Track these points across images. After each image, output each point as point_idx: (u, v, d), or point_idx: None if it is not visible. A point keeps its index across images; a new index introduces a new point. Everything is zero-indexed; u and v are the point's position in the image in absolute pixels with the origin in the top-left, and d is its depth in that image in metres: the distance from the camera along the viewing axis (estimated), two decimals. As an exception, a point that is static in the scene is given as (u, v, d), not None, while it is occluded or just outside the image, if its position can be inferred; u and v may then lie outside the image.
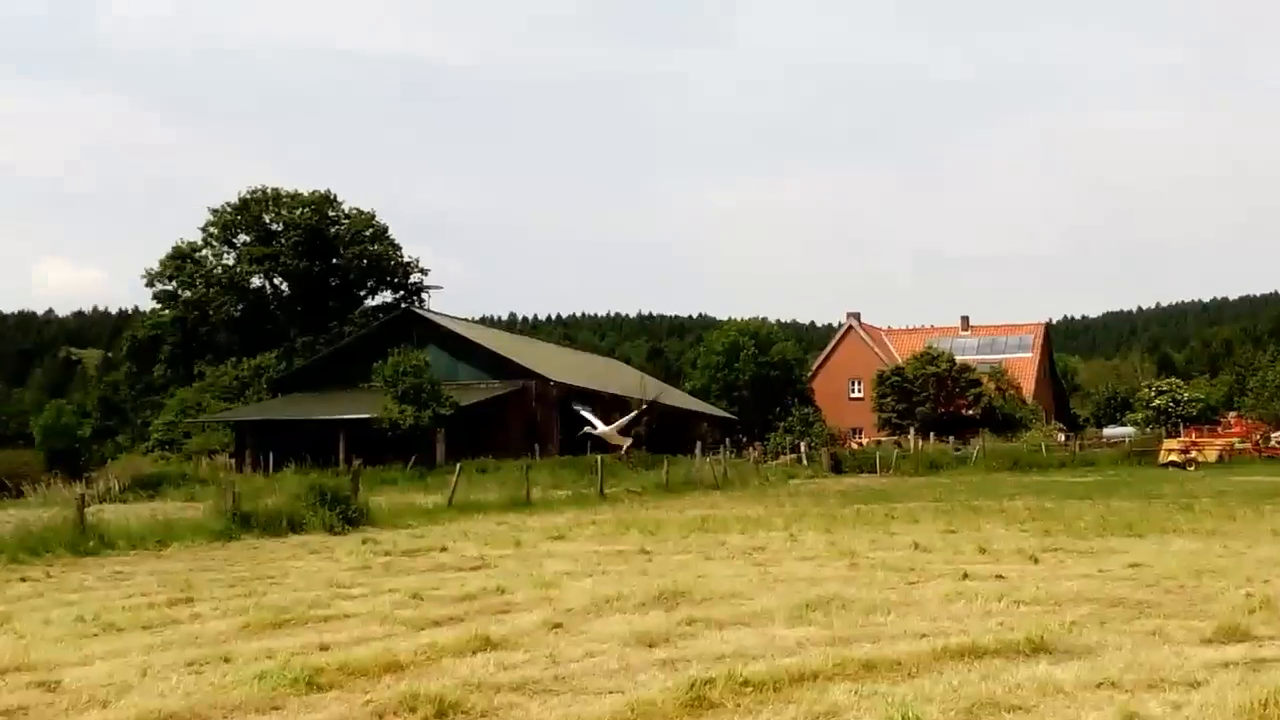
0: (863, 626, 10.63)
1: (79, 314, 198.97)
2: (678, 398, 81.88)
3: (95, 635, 11.36)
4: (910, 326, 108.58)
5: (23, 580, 16.76)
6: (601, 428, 19.79)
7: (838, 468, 62.67)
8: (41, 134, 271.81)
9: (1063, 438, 78.11)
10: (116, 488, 42.39)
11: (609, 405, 65.10)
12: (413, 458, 54.70)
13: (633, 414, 19.40)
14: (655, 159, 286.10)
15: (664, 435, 63.54)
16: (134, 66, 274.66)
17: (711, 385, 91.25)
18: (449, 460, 53.37)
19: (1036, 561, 16.01)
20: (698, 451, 51.44)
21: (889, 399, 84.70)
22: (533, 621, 11.21)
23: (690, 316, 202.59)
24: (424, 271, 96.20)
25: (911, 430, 76.95)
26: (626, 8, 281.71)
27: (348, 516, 25.54)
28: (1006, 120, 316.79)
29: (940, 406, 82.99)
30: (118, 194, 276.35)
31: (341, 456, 55.01)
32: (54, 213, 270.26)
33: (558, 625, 11.00)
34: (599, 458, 44.12)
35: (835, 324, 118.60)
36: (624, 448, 21.30)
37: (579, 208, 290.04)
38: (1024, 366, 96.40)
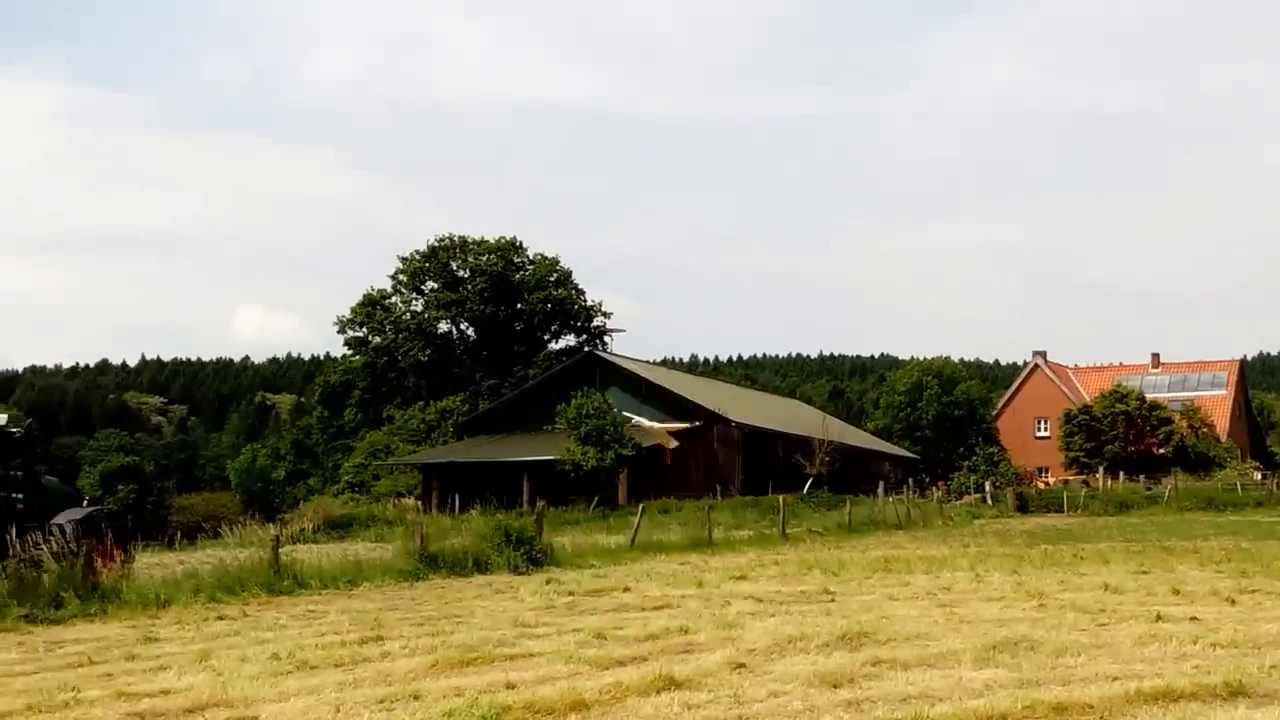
0: (1052, 669, 10.42)
1: (273, 360, 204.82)
2: (860, 437, 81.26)
3: (290, 672, 11.64)
4: (1098, 364, 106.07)
5: (220, 618, 17.25)
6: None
7: (1023, 507, 61.46)
8: (240, 187, 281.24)
9: (1259, 476, 75.61)
10: (309, 529, 43.42)
11: (791, 445, 64.89)
12: (595, 498, 55.16)
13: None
14: (838, 199, 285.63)
15: (846, 475, 63.07)
16: (327, 122, 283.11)
17: (894, 425, 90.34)
18: (631, 501, 53.68)
19: (1233, 603, 15.53)
20: (880, 491, 50.93)
21: (1076, 438, 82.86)
22: (716, 661, 11.21)
23: (872, 356, 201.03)
24: (606, 315, 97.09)
25: (1100, 469, 75.21)
26: (808, 51, 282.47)
27: (532, 556, 25.78)
28: (1195, 154, 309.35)
29: (1129, 445, 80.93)
30: (311, 244, 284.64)
31: (525, 497, 55.67)
32: (250, 263, 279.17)
33: (741, 665, 10.97)
34: (780, 498, 43.93)
35: (1020, 362, 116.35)
36: None
37: (760, 249, 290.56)
38: (1217, 404, 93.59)
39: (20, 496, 25.62)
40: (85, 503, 28.31)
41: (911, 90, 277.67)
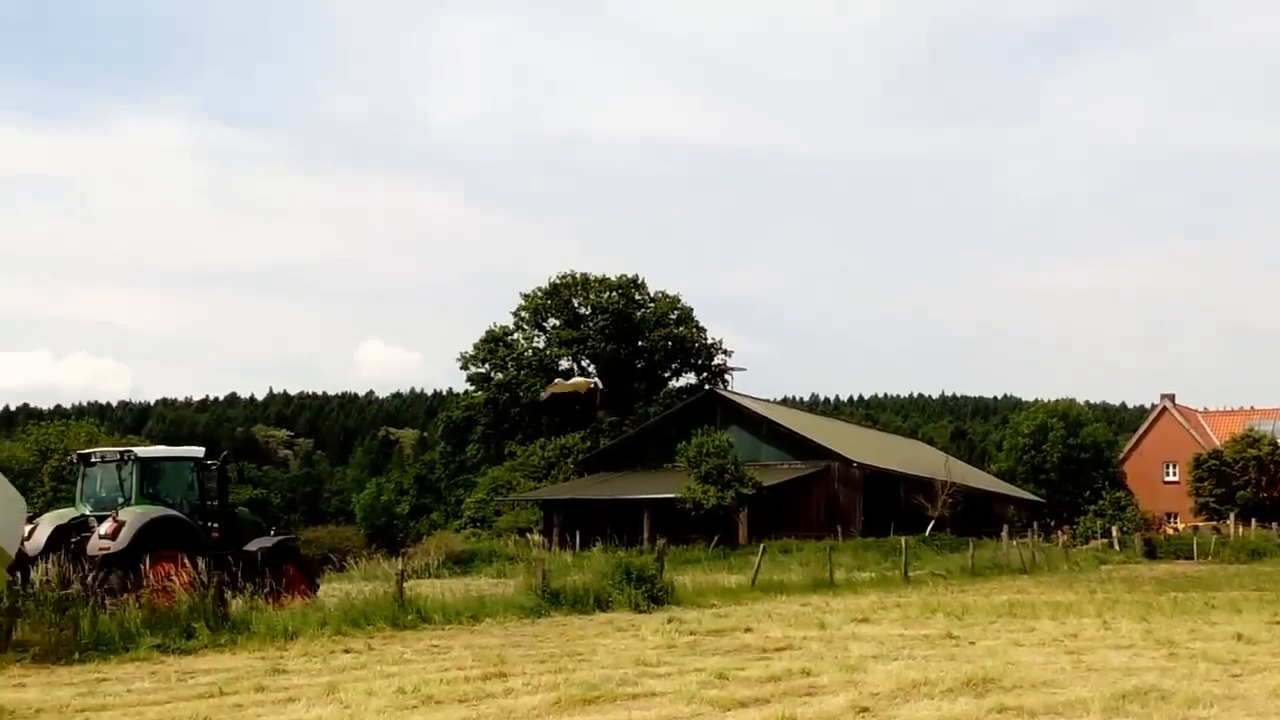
0: (1183, 720, 10.25)
1: (397, 395, 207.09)
2: (983, 480, 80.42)
3: (415, 707, 11.79)
4: (1228, 408, 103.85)
5: (346, 651, 17.50)
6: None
7: (1151, 553, 60.26)
8: (366, 223, 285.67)
9: (1400, 523, 73.45)
10: (433, 563, 43.86)
11: (912, 486, 64.35)
12: (715, 537, 55.09)
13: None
14: (961, 238, 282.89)
15: (969, 518, 62.39)
16: (452, 159, 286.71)
17: (1018, 467, 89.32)
18: (751, 540, 53.54)
19: (1372, 656, 15.14)
20: (1004, 535, 50.26)
21: (1206, 483, 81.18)
22: (839, 705, 11.17)
23: (995, 397, 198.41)
24: (727, 353, 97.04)
25: (1231, 516, 73.56)
26: (932, 88, 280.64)
27: (653, 595, 25.82)
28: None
29: (1262, 491, 79.12)
30: (435, 280, 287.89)
31: (645, 535, 55.73)
32: (375, 299, 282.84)
33: (864, 709, 10.93)
34: (903, 540, 43.57)
35: (1148, 405, 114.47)
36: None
37: (881, 287, 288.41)
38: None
39: (215, 526, 26.70)
40: (272, 532, 29.29)
41: (1038, 127, 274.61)
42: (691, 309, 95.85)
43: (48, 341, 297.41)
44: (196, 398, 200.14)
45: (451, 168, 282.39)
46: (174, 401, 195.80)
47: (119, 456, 26.73)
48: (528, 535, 64.85)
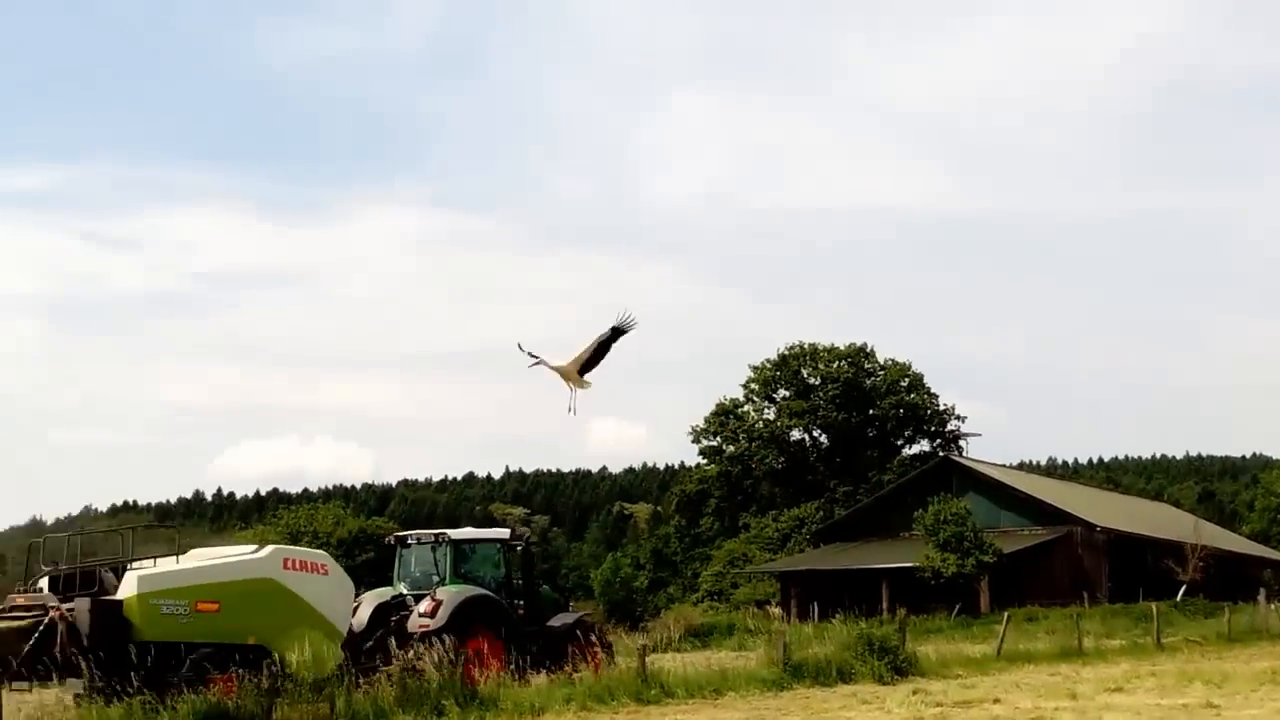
0: None
1: (629, 470, 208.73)
2: (1234, 542, 77.63)
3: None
4: None
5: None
6: (555, 362, 17.15)
7: None
8: (593, 301, 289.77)
9: None
10: (675, 637, 44.12)
11: (1160, 550, 62.39)
12: (956, 606, 54.18)
13: (594, 343, 16.78)
14: (1198, 295, 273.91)
15: (1221, 581, 60.15)
16: (676, 234, 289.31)
17: (1271, 528, 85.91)
18: (993, 608, 52.55)
19: None
20: (1261, 598, 48.30)
21: None
22: (1097, 776, 10.93)
23: (1244, 456, 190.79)
24: (960, 418, 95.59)
25: None
26: (1162, 144, 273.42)
27: (896, 666, 25.53)
28: None
29: None
30: (662, 355, 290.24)
31: (884, 605, 55.11)
32: (604, 375, 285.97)
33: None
34: (1153, 605, 42.25)
35: None
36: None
37: (1115, 347, 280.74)
38: None
39: (521, 603, 27.89)
40: (570, 607, 30.56)
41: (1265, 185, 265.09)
42: (921, 375, 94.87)
43: (295, 428, 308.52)
44: (436, 478, 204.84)
45: (674, 243, 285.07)
46: (414, 482, 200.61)
47: (433, 539, 28.32)
48: (766, 607, 64.68)
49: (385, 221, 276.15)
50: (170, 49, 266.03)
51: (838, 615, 46.08)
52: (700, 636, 50.21)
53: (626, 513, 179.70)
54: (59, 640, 19.81)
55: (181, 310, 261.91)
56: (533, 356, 21.28)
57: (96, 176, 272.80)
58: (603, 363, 21.43)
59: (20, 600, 21.30)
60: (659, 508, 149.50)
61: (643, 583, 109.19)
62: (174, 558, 21.77)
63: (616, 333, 21.15)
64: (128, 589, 20.61)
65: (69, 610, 20.15)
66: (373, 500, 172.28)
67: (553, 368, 21.36)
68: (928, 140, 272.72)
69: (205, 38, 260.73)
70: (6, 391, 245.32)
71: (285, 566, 22.08)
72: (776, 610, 63.83)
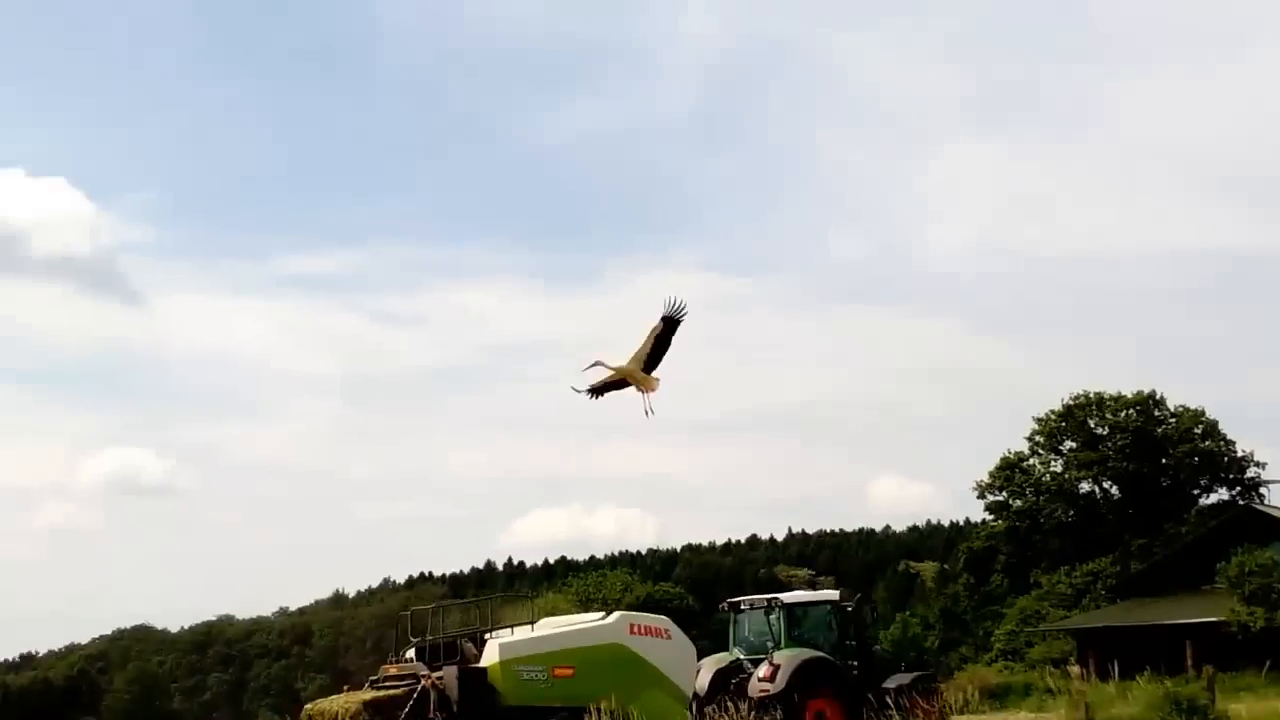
0: None
1: (913, 528, 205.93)
2: None
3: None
4: None
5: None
6: (615, 363, 15.06)
7: None
8: (871, 359, 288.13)
9: None
10: (976, 698, 43.62)
11: None
12: (1267, 663, 52.08)
13: (650, 337, 14.82)
14: None
15: None
16: (951, 287, 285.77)
17: None
18: (1309, 663, 50.35)
19: None
20: None
21: None
22: None
23: None
24: (1260, 465, 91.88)
25: None
26: None
27: (1207, 725, 25.00)
28: None
29: None
30: (941, 410, 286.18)
31: (1189, 662, 53.39)
32: (883, 432, 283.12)
33: None
34: None
35: None
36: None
37: None
38: None
39: (855, 664, 28.31)
40: (903, 667, 30.65)
41: None
42: (1216, 421, 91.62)
43: (579, 496, 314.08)
44: (719, 541, 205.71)
45: (950, 296, 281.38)
46: (698, 546, 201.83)
47: (766, 604, 28.88)
48: (1064, 666, 63.26)
49: (659, 287, 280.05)
50: (446, 130, 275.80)
51: (1145, 673, 44.99)
52: (997, 698, 49.52)
53: (913, 571, 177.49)
54: (430, 707, 21.12)
55: (469, 384, 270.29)
56: (600, 365, 20.78)
57: (380, 259, 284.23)
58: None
59: (393, 670, 22.84)
60: (946, 566, 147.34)
61: (933, 643, 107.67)
62: (529, 626, 22.81)
63: (669, 322, 20.61)
64: (490, 657, 21.85)
65: (438, 679, 21.41)
66: (658, 565, 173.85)
67: (614, 369, 20.92)
68: (1207, 178, 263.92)
69: (478, 118, 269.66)
70: (310, 469, 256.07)
71: (631, 631, 22.91)
72: (1076, 669, 62.37)
